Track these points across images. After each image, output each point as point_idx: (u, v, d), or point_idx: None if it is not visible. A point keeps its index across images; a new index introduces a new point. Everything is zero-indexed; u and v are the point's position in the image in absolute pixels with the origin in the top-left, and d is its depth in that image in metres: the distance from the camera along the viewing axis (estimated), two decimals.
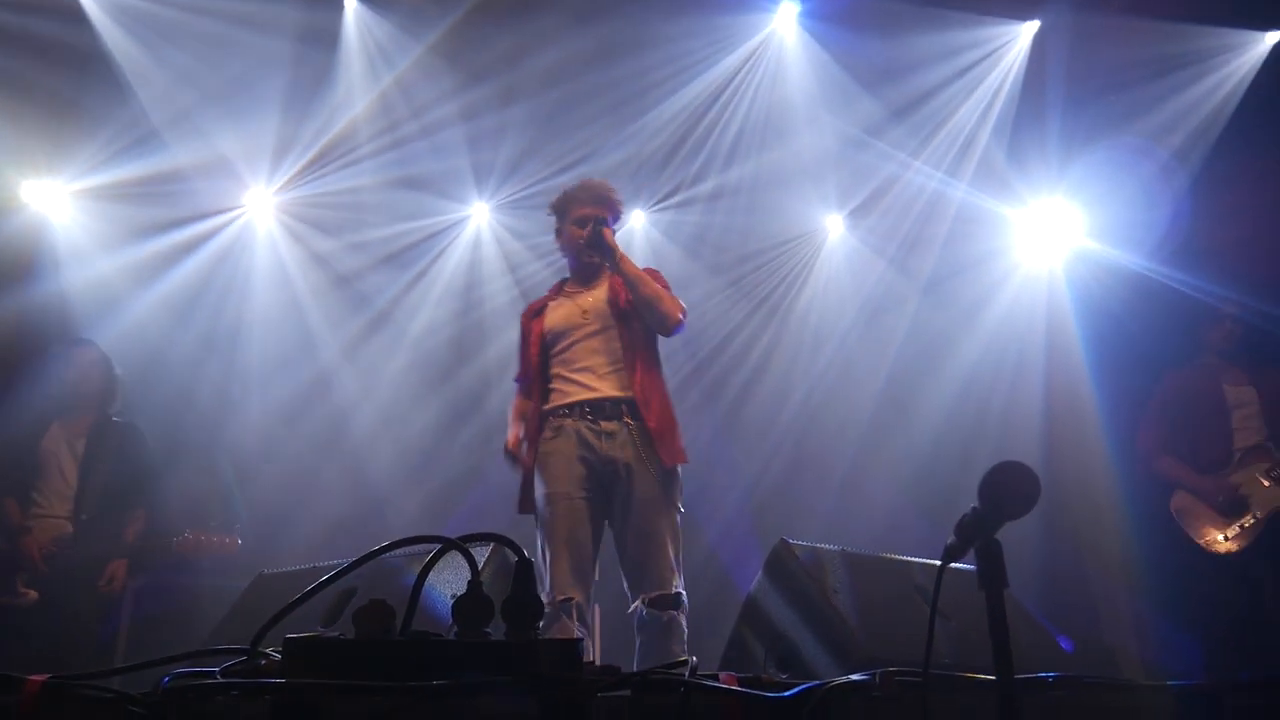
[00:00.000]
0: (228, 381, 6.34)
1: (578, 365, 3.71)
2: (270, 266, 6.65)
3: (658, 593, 3.44)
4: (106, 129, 5.84)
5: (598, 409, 3.64)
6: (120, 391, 5.18)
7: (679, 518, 3.63)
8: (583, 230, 3.82)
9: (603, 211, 3.85)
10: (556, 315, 3.84)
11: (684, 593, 3.51)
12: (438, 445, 6.53)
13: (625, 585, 3.58)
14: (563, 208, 3.95)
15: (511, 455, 3.72)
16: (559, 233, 3.99)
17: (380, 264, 6.82)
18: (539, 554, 3.58)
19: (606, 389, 3.66)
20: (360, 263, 6.79)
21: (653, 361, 3.80)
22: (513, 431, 3.78)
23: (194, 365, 6.10)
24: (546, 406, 3.72)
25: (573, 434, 3.61)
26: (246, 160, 6.29)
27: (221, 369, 6.32)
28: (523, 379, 3.93)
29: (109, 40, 5.65)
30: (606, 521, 3.65)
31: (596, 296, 3.83)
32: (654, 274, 3.86)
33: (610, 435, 3.60)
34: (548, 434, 3.66)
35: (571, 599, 3.41)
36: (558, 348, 3.78)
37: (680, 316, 3.77)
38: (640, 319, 3.78)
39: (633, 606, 3.50)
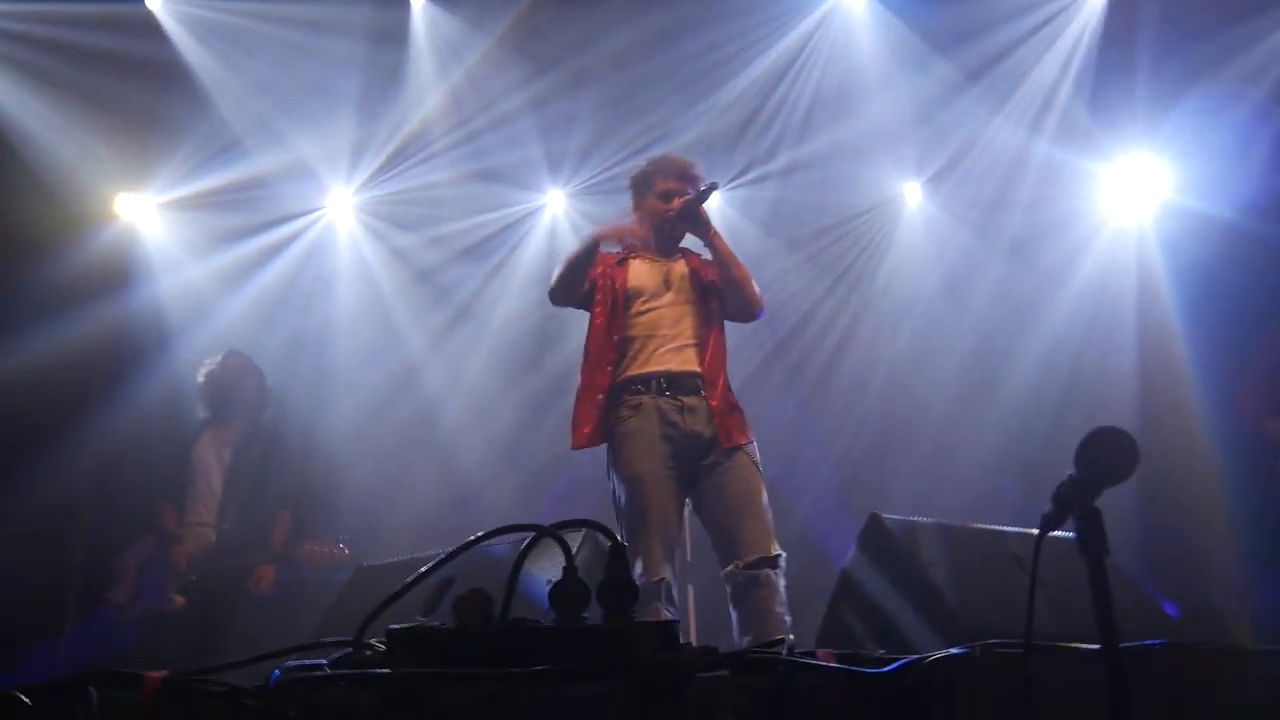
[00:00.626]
0: (318, 380, 6.48)
1: (657, 333, 3.65)
2: (353, 265, 6.79)
3: (758, 555, 3.38)
4: (189, 140, 6.03)
5: (676, 383, 3.58)
6: (271, 401, 5.39)
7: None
8: (667, 204, 3.77)
9: (688, 187, 3.79)
10: (639, 274, 3.77)
11: (784, 554, 3.45)
12: (524, 433, 6.59)
13: (719, 558, 3.52)
14: (646, 181, 3.89)
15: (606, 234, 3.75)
16: (638, 206, 3.92)
17: (460, 257, 6.91)
18: (621, 535, 3.55)
19: (684, 363, 3.61)
20: (441, 257, 6.88)
21: (722, 343, 3.76)
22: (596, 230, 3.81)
23: (284, 366, 6.25)
24: (621, 376, 3.63)
25: (653, 412, 3.55)
26: (325, 162, 6.43)
27: (311, 368, 6.47)
28: (566, 300, 3.86)
29: (186, 52, 5.82)
30: (690, 497, 3.60)
31: (679, 270, 3.78)
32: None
33: (692, 410, 3.55)
34: (625, 412, 3.58)
35: (664, 579, 3.39)
36: (635, 308, 3.70)
37: (761, 305, 3.75)
38: (719, 299, 3.75)
39: (728, 571, 3.43)
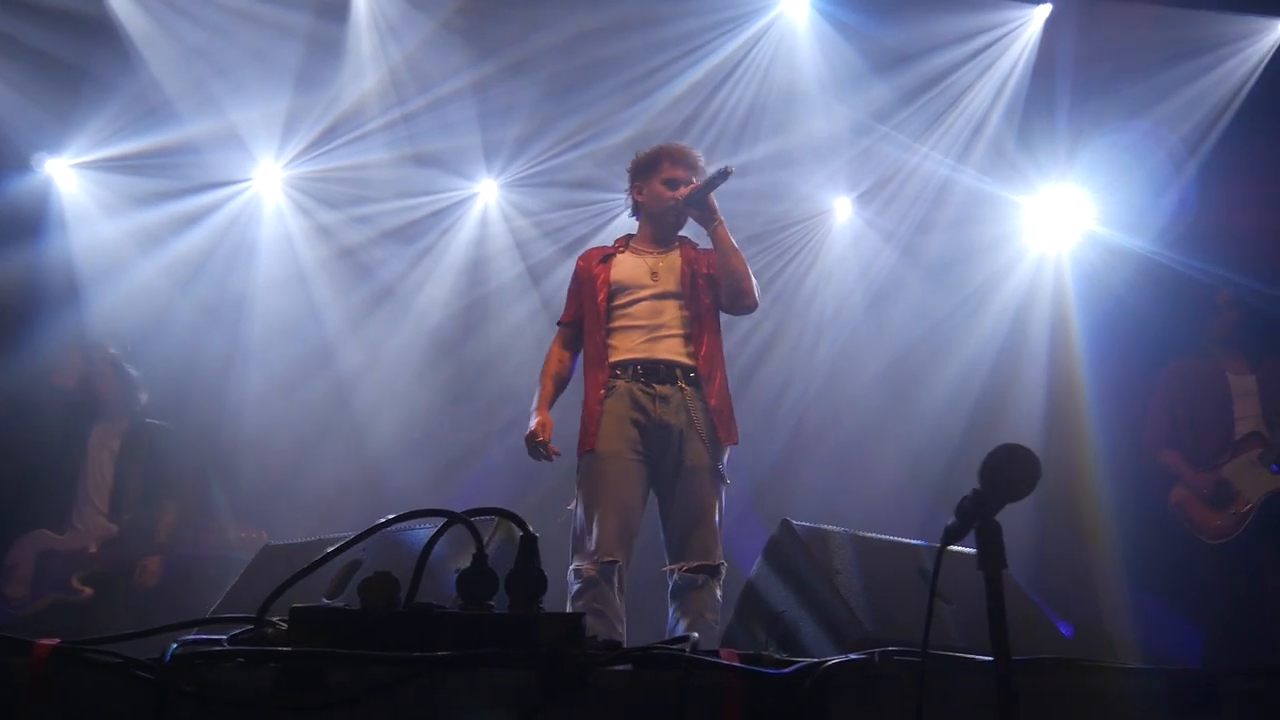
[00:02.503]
0: (230, 352, 6.35)
1: (637, 323, 3.66)
2: (275, 239, 6.65)
3: (700, 562, 3.44)
4: (116, 99, 5.85)
5: (651, 371, 3.59)
6: (139, 389, 5.33)
7: (726, 491, 3.62)
8: (673, 191, 3.76)
9: (694, 177, 3.79)
10: (624, 268, 3.77)
11: (724, 564, 3.51)
12: (440, 419, 6.55)
13: (666, 554, 3.56)
14: (651, 165, 3.84)
15: (534, 445, 3.60)
16: (639, 190, 3.87)
17: (387, 239, 6.82)
18: (578, 513, 3.53)
19: (663, 351, 3.62)
20: (367, 237, 6.79)
21: (717, 337, 3.76)
22: (540, 415, 3.67)
23: (196, 332, 6.13)
24: (608, 360, 3.65)
25: (625, 395, 3.56)
26: (256, 133, 6.29)
27: (225, 340, 6.34)
28: (570, 323, 3.85)
29: (118, 9, 5.64)
30: (654, 490, 3.61)
31: (670, 261, 3.78)
32: None
33: (664, 399, 3.56)
34: (602, 392, 3.59)
35: (615, 560, 3.39)
36: (619, 301, 3.71)
37: (756, 298, 3.74)
38: (712, 292, 3.76)
39: (670, 571, 3.48)
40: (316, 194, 6.64)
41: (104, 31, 5.63)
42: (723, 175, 3.64)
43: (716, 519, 3.55)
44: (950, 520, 1.46)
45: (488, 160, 6.72)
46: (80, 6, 5.51)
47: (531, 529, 1.72)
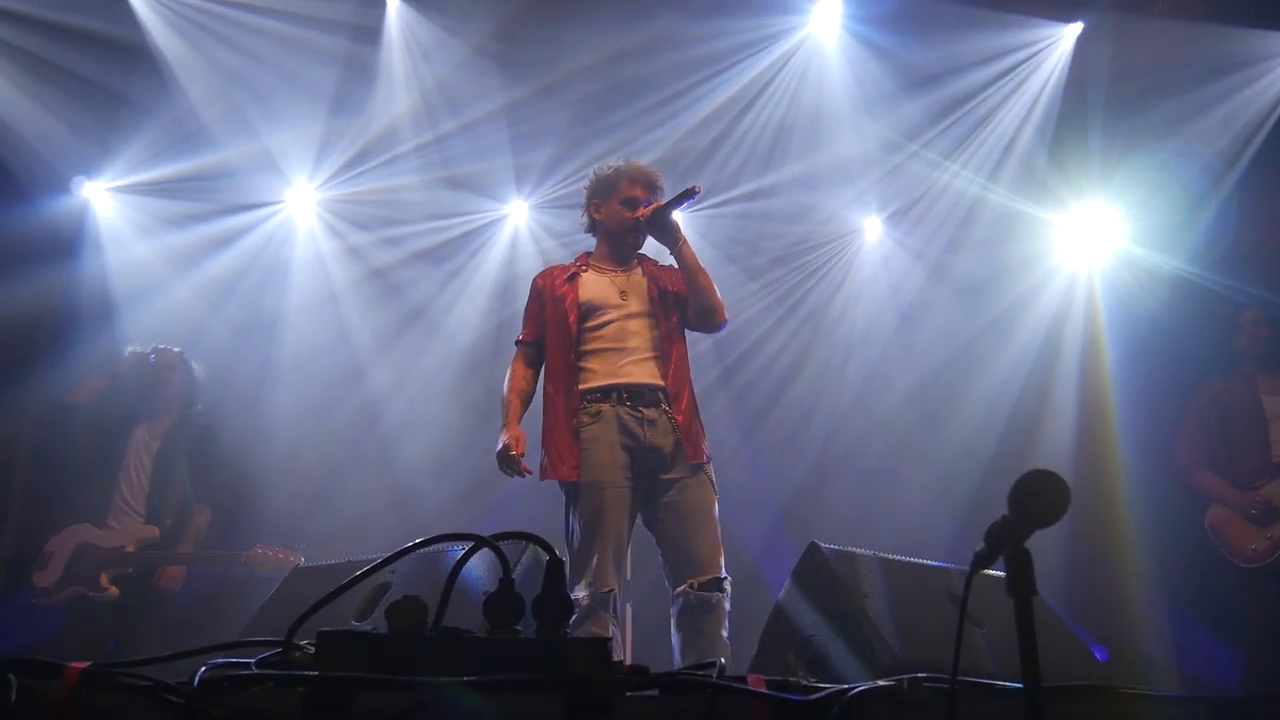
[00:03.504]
0: (262, 374, 6.40)
1: (613, 345, 3.62)
2: (308, 260, 6.72)
3: (708, 576, 3.40)
4: (154, 124, 5.94)
5: (636, 395, 3.56)
6: (202, 394, 5.45)
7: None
8: (631, 211, 3.72)
9: (654, 197, 3.75)
10: (592, 288, 3.73)
11: (729, 577, 3.47)
12: (471, 440, 6.56)
13: (666, 575, 3.52)
14: (610, 185, 3.79)
15: (509, 461, 3.57)
16: (597, 208, 3.83)
17: (419, 260, 6.87)
18: (571, 539, 3.51)
19: (642, 375, 3.59)
20: (399, 259, 6.84)
21: (685, 356, 3.74)
22: (511, 429, 3.62)
23: (229, 352, 6.18)
24: (580, 387, 3.59)
25: (613, 420, 3.52)
26: (290, 156, 6.36)
27: (256, 361, 6.39)
28: (531, 342, 3.79)
29: (156, 35, 5.73)
30: (642, 513, 3.59)
31: (636, 281, 3.75)
32: None
33: (652, 423, 3.53)
34: (585, 419, 3.55)
35: (611, 590, 3.37)
36: (590, 322, 3.66)
37: (724, 316, 3.72)
38: (679, 310, 3.74)
39: (676, 592, 3.43)
40: (349, 216, 6.71)
41: (142, 57, 5.72)
42: (688, 195, 3.60)
43: (717, 530, 3.51)
44: (980, 546, 1.45)
45: (518, 182, 6.76)
46: (119, 33, 5.61)
47: (558, 553, 1.72)
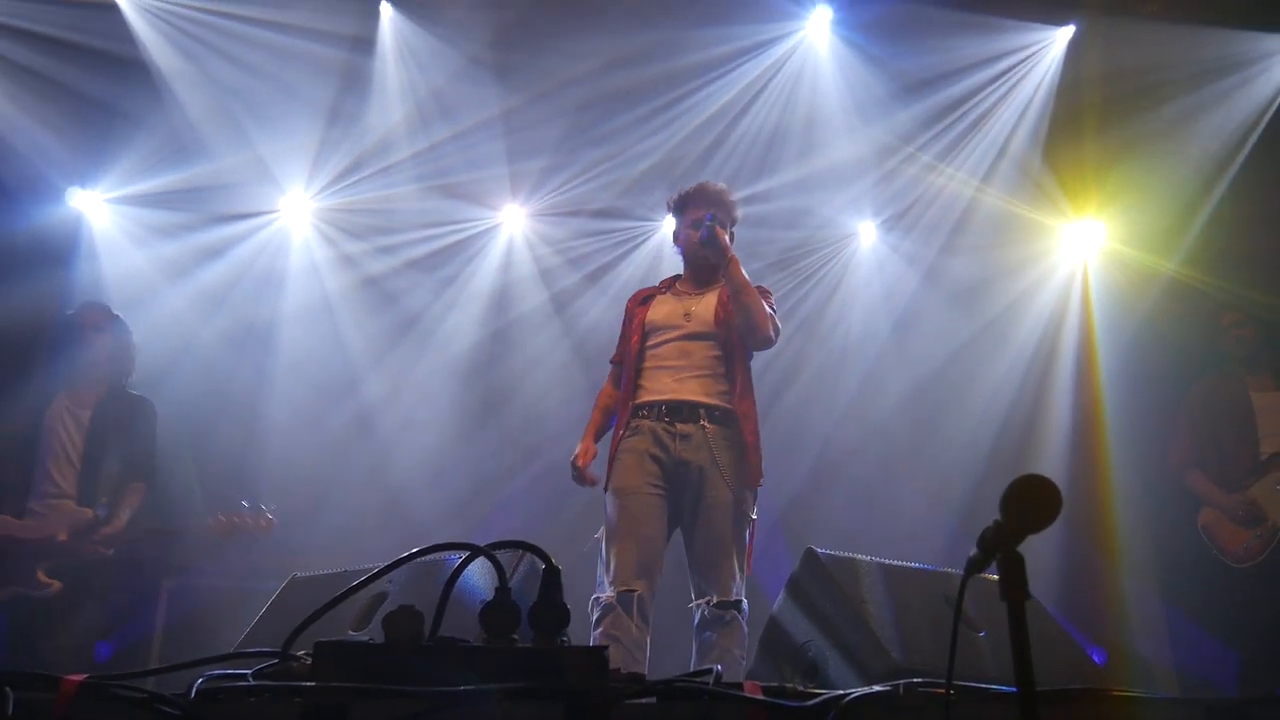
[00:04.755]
0: (256, 383, 6.39)
1: (666, 364, 3.75)
2: (302, 269, 6.71)
3: (720, 599, 3.48)
4: (149, 135, 5.93)
5: (675, 411, 3.67)
6: (133, 359, 4.79)
7: (750, 528, 3.65)
8: (697, 232, 3.81)
9: (718, 213, 3.84)
10: (660, 310, 3.88)
11: (745, 600, 3.55)
12: (465, 449, 6.56)
13: (691, 588, 3.61)
14: (680, 208, 3.96)
15: (574, 469, 3.75)
16: (675, 235, 4.01)
17: (413, 269, 6.87)
18: (602, 545, 3.62)
19: (688, 392, 3.69)
20: (393, 267, 6.84)
21: (749, 376, 3.82)
22: (584, 442, 3.83)
23: (224, 361, 6.16)
24: (633, 403, 3.74)
25: (648, 433, 3.65)
26: (285, 166, 6.36)
27: (251, 367, 6.38)
28: (618, 362, 3.97)
29: (151, 48, 5.73)
30: (679, 525, 3.68)
31: (706, 303, 3.84)
32: (764, 291, 3.87)
33: (685, 438, 3.63)
34: (626, 433, 3.71)
35: (634, 590, 3.44)
36: (652, 341, 3.81)
37: (770, 333, 3.77)
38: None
39: (694, 606, 3.54)
40: (344, 225, 6.71)
41: (137, 70, 5.72)
42: (711, 224, 3.73)
43: (736, 556, 3.58)
44: (973, 551, 1.45)
45: (513, 190, 6.77)
46: (113, 47, 5.61)
47: (555, 561, 1.72)
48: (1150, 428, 5.56)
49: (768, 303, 3.82)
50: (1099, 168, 6.16)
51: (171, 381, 5.57)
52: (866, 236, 7.05)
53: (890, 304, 6.91)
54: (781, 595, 2.88)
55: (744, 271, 3.78)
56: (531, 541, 1.83)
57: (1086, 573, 5.77)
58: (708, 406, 3.67)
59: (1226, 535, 4.90)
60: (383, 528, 5.99)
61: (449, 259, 6.90)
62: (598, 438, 3.88)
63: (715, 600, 3.48)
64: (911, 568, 2.97)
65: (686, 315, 3.81)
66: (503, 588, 1.68)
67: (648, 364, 3.79)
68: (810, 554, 2.86)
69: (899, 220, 6.87)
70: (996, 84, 6.16)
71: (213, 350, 6.16)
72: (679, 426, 3.64)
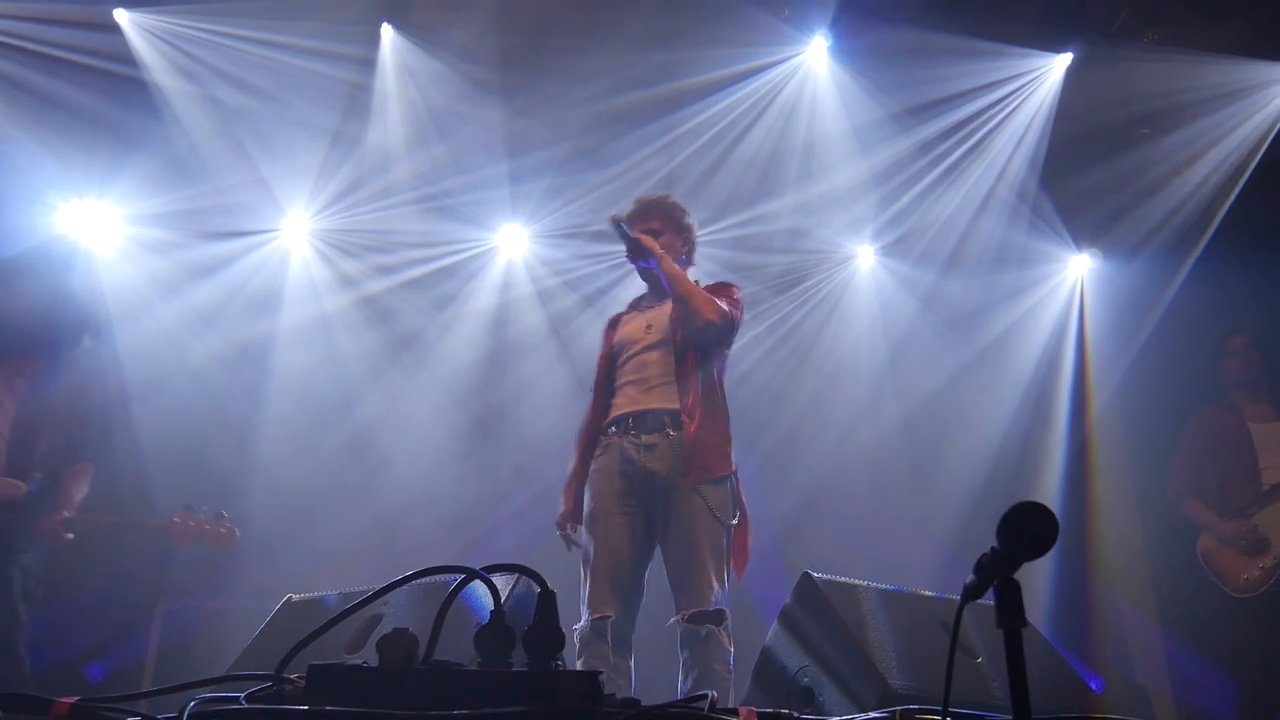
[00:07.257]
0: (253, 397, 6.37)
1: (631, 378, 3.71)
2: (301, 289, 6.71)
3: (696, 609, 3.38)
4: (149, 156, 5.93)
5: (640, 421, 3.61)
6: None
7: (727, 531, 3.53)
8: None
9: (649, 220, 3.83)
10: (626, 328, 3.87)
11: (726, 609, 3.42)
12: (460, 470, 6.54)
13: (673, 602, 3.53)
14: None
15: (563, 534, 3.72)
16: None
17: (412, 290, 6.87)
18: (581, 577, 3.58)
19: (651, 401, 3.63)
20: (392, 288, 6.84)
21: (710, 377, 3.71)
22: (565, 502, 3.74)
23: (219, 379, 6.14)
24: (603, 421, 3.72)
25: (616, 450, 3.61)
26: (285, 186, 6.37)
27: (247, 386, 6.36)
28: (594, 388, 3.90)
29: (152, 68, 5.75)
30: (661, 540, 3.58)
31: (662, 310, 3.80)
32: (723, 286, 3.81)
33: (650, 448, 3.56)
34: (598, 451, 3.68)
35: (607, 617, 3.38)
36: (620, 359, 3.79)
37: (713, 317, 3.61)
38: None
39: (673, 621, 3.44)
40: (343, 245, 6.71)
41: (138, 90, 5.73)
42: (618, 225, 3.72)
43: (711, 564, 3.44)
44: (969, 578, 1.45)
45: (512, 211, 6.78)
46: (114, 67, 5.63)
47: (550, 585, 1.72)
48: (1147, 454, 5.56)
49: (728, 295, 3.74)
50: (1097, 195, 6.19)
51: (164, 398, 5.56)
52: (865, 260, 7.07)
53: (888, 328, 6.92)
54: (777, 619, 2.86)
55: (675, 264, 3.72)
56: (526, 565, 1.83)
57: (1084, 600, 5.75)
58: (670, 412, 3.60)
59: (1226, 564, 4.88)
60: (377, 549, 5.95)
61: (446, 279, 6.91)
62: (580, 488, 3.72)
63: (690, 614, 3.37)
64: (909, 593, 2.96)
65: (648, 328, 3.78)
66: (498, 611, 1.67)
67: (618, 382, 3.76)
68: (806, 579, 2.85)
69: (897, 244, 6.89)
70: (994, 110, 6.20)
71: (207, 368, 6.14)
72: (644, 438, 3.58)
